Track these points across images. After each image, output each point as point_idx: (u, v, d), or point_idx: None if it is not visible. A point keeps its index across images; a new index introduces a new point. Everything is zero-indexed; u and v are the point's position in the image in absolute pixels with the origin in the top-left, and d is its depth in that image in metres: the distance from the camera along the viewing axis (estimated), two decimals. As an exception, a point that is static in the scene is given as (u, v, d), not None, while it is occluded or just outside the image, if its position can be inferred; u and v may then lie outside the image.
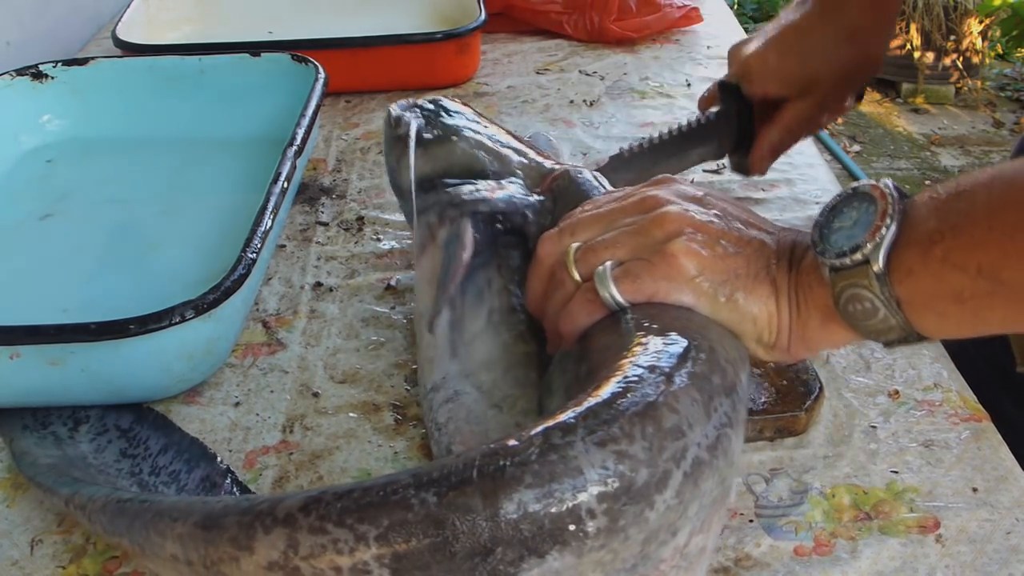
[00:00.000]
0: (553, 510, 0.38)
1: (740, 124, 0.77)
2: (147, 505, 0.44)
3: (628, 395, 0.42)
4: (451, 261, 0.59)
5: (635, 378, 0.43)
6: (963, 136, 3.27)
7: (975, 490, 0.55)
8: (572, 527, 0.38)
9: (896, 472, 0.56)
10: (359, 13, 1.26)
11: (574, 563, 0.39)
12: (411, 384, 0.65)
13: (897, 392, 0.63)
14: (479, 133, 0.69)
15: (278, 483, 0.57)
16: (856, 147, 3.19)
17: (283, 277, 0.77)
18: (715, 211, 0.52)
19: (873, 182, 0.47)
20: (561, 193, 0.62)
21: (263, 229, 0.66)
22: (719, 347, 0.47)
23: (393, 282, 0.75)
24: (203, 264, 0.76)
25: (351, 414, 0.62)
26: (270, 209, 0.68)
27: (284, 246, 0.81)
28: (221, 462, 0.58)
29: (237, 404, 0.64)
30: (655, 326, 0.48)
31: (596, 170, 0.68)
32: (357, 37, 1.07)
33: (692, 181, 0.86)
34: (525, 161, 0.67)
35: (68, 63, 0.95)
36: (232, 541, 0.39)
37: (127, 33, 1.07)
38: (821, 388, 0.60)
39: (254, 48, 0.97)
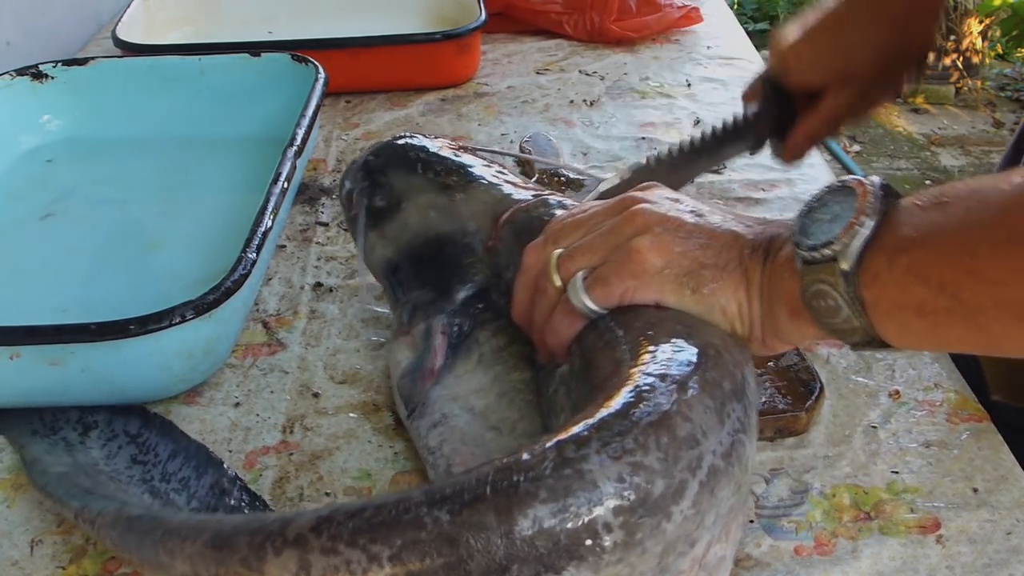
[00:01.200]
0: (569, 525, 0.37)
1: (779, 119, 0.76)
2: (156, 523, 0.44)
3: (640, 405, 0.41)
4: (425, 359, 0.59)
5: (646, 387, 0.43)
6: (963, 136, 3.27)
7: (975, 490, 0.55)
8: (589, 542, 0.38)
9: (897, 472, 0.56)
10: (359, 13, 1.26)
11: None
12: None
13: (897, 392, 0.63)
14: (429, 184, 0.66)
15: (278, 483, 0.57)
16: (856, 147, 3.19)
17: (283, 277, 0.77)
18: (689, 208, 0.52)
19: (860, 178, 0.46)
20: (521, 229, 0.61)
21: (263, 229, 0.66)
22: (726, 352, 0.47)
23: (393, 282, 0.75)
24: (203, 264, 0.76)
25: (351, 414, 0.62)
26: (270, 209, 0.68)
27: (284, 246, 0.81)
28: (229, 468, 0.58)
29: (237, 404, 0.64)
30: (660, 334, 0.47)
31: (625, 178, 0.67)
32: (357, 37, 1.07)
33: (692, 182, 0.87)
34: (478, 208, 0.64)
35: (68, 63, 0.95)
36: (243, 562, 0.39)
37: (127, 33, 1.07)
38: (821, 388, 0.60)
39: (254, 48, 0.97)
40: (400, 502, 0.38)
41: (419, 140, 0.69)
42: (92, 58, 0.96)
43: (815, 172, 0.90)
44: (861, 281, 0.44)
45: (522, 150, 0.91)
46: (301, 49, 0.97)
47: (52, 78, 0.94)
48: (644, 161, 0.76)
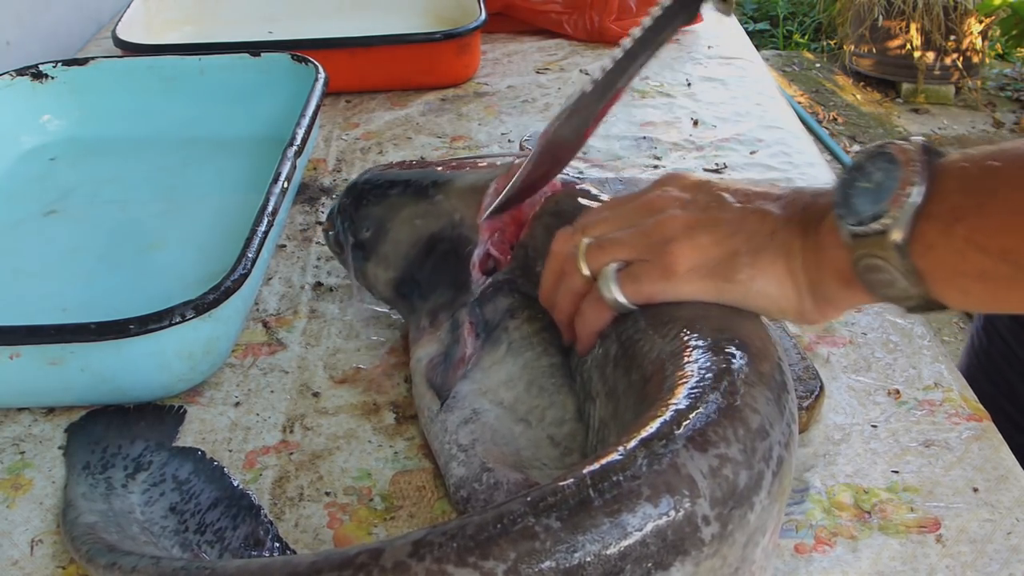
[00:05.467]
0: (675, 520, 0.37)
1: None
2: (212, 571, 0.41)
3: (710, 399, 0.42)
4: (454, 349, 0.58)
5: (709, 382, 0.43)
6: (963, 136, 3.26)
7: (975, 490, 0.55)
8: (691, 536, 0.38)
9: (896, 472, 0.56)
10: (359, 13, 1.26)
11: (692, 573, 0.38)
12: (411, 384, 0.65)
13: (897, 392, 0.62)
14: (404, 199, 0.66)
15: (278, 483, 0.57)
16: (856, 147, 3.18)
17: (283, 277, 0.77)
18: (716, 195, 0.52)
19: (900, 142, 0.45)
20: (551, 223, 0.60)
21: (263, 229, 0.66)
22: (769, 344, 0.48)
23: (393, 282, 0.75)
24: (203, 264, 0.76)
25: (351, 414, 0.62)
26: (270, 209, 0.68)
27: (284, 246, 0.81)
28: (265, 517, 0.53)
29: (237, 404, 0.64)
30: (703, 327, 0.48)
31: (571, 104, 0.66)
32: (357, 37, 1.07)
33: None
34: (457, 198, 0.64)
35: (68, 63, 0.95)
36: None
37: (127, 33, 1.07)
38: (821, 387, 0.60)
39: (254, 48, 0.97)
40: (502, 516, 0.37)
41: (379, 170, 0.71)
42: (92, 58, 0.96)
43: (815, 172, 0.90)
44: (914, 251, 0.43)
45: (522, 149, 0.92)
46: (301, 49, 0.97)
47: (52, 78, 0.94)
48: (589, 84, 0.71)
